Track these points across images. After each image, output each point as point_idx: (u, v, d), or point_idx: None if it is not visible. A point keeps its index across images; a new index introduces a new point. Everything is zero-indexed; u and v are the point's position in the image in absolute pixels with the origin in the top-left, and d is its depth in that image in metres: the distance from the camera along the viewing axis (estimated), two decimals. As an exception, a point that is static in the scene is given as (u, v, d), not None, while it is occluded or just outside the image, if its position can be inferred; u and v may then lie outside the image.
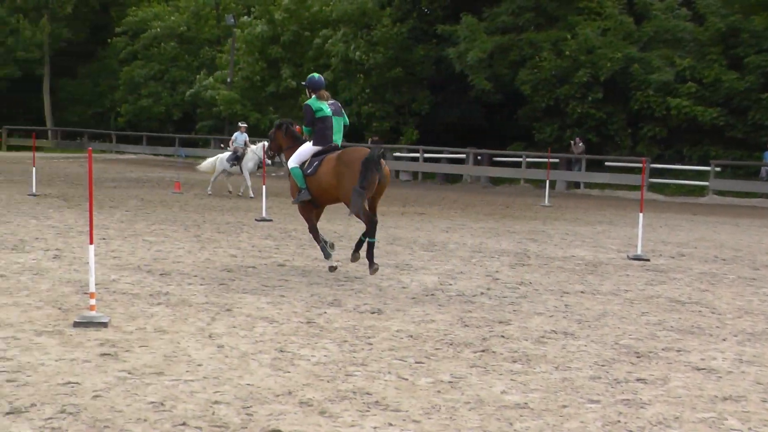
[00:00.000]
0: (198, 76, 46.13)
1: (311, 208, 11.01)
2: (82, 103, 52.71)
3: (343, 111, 11.06)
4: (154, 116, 49.09)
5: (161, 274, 10.13)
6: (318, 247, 11.42)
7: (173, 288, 9.29)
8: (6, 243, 12.10)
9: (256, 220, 16.94)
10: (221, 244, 13.21)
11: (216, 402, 5.47)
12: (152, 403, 5.39)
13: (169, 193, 22.92)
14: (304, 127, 10.87)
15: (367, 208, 10.15)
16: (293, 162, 10.86)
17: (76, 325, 7.29)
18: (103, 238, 12.97)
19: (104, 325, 7.32)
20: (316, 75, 11.07)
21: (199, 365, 6.30)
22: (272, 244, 13.45)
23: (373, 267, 10.27)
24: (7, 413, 5.08)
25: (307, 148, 10.85)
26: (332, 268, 10.65)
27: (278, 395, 5.67)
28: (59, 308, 8.01)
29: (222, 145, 44.93)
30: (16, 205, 17.74)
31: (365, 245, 10.37)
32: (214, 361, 6.45)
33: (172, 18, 49.81)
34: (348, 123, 11.05)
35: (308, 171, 10.66)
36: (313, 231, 11.01)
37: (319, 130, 10.68)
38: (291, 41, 41.37)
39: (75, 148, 47.57)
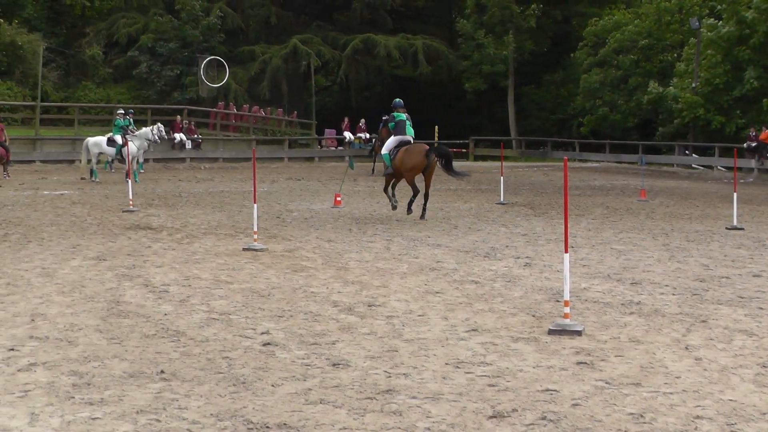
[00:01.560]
0: (652, 82, 45.42)
1: (391, 178, 18.04)
2: (544, 110, 54.63)
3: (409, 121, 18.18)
4: (615, 124, 49.24)
5: (632, 283, 10.14)
6: (388, 199, 18.37)
7: (645, 297, 9.26)
8: (478, 250, 12.93)
9: (726, 228, 16.25)
10: (691, 253, 12.88)
11: (697, 417, 5.36)
12: (631, 414, 5.43)
13: (635, 201, 22.81)
14: (390, 124, 18.30)
15: (414, 183, 17.45)
16: (385, 149, 18.02)
17: (551, 332, 7.57)
18: (571, 246, 13.30)
19: (578, 333, 7.51)
20: (397, 99, 18.50)
21: (677, 377, 6.22)
22: (745, 253, 12.84)
23: (422, 215, 17.35)
24: (491, 417, 5.42)
25: (391, 140, 17.95)
26: (393, 207, 17.87)
27: (764, 413, 5.41)
28: (533, 315, 8.38)
29: (687, 152, 43.70)
30: (486, 213, 18.84)
31: (415, 206, 17.71)
32: (692, 373, 6.33)
33: (633, 24, 49.60)
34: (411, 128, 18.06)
35: (392, 156, 17.64)
36: (386, 191, 18.20)
37: (398, 127, 17.90)
38: (762, 42, 38.95)
39: (538, 157, 49.40)
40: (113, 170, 30.08)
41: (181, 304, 8.75)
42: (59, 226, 15.34)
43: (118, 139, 27.45)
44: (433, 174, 17.45)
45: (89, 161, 27.88)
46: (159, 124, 29.40)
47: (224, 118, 44.58)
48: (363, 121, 44.69)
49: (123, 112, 29.42)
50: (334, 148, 45.37)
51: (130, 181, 19.71)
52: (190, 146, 39.14)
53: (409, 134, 17.88)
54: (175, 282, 9.99)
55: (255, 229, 13.16)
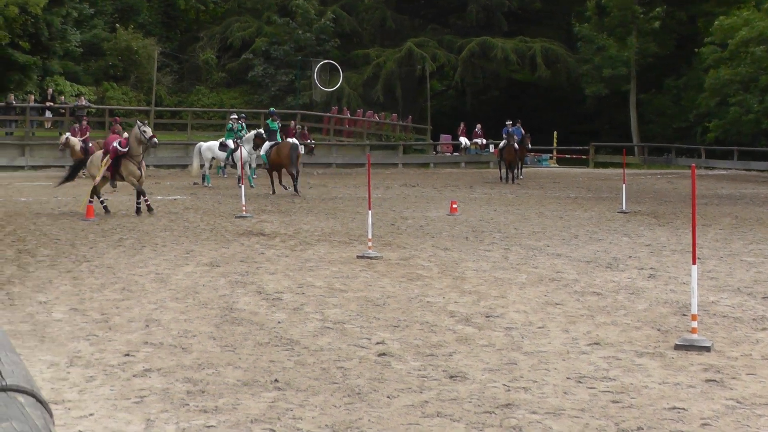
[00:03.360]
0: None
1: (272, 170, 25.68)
2: (664, 116, 53.39)
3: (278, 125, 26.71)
4: (745, 128, 47.63)
5: (764, 297, 9.82)
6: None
7: (781, 313, 8.95)
8: (600, 261, 12.73)
9: None
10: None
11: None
12: (767, 437, 5.25)
13: (766, 211, 22.06)
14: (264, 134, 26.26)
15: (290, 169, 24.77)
16: (262, 152, 25.70)
17: (678, 347, 7.38)
18: (698, 258, 12.94)
19: (707, 349, 7.30)
20: (271, 108, 29.81)
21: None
22: None
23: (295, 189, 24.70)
24: (615, 433, 5.34)
25: (266, 144, 25.72)
26: (273, 192, 25.12)
27: None
28: (658, 329, 8.19)
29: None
30: (607, 222, 18.54)
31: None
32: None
33: (766, 22, 47.98)
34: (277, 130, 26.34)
35: (268, 154, 25.17)
36: (272, 183, 25.54)
37: (271, 135, 26.01)
38: None
39: (662, 164, 48.32)
40: (226, 175, 30.77)
41: (294, 312, 8.87)
42: (172, 232, 15.79)
43: (230, 143, 28.06)
44: (299, 159, 25.65)
45: (201, 166, 28.57)
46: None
47: (337, 123, 45.06)
48: (479, 126, 44.58)
49: (236, 116, 30.07)
50: (449, 154, 45.40)
51: (243, 187, 20.13)
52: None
53: (278, 139, 26.19)
54: (289, 289, 10.14)
55: (369, 236, 13.25)
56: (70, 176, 20.58)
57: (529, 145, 34.75)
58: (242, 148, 26.55)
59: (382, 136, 45.78)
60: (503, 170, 33.06)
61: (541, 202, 23.78)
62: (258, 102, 48.35)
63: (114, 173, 18.96)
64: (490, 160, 43.44)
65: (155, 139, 19.13)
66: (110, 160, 18.83)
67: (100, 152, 19.70)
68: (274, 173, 25.75)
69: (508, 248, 14.04)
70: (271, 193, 25.03)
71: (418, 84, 51.84)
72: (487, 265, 12.17)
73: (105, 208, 19.10)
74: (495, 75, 54.12)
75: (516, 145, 31.97)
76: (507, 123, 33.69)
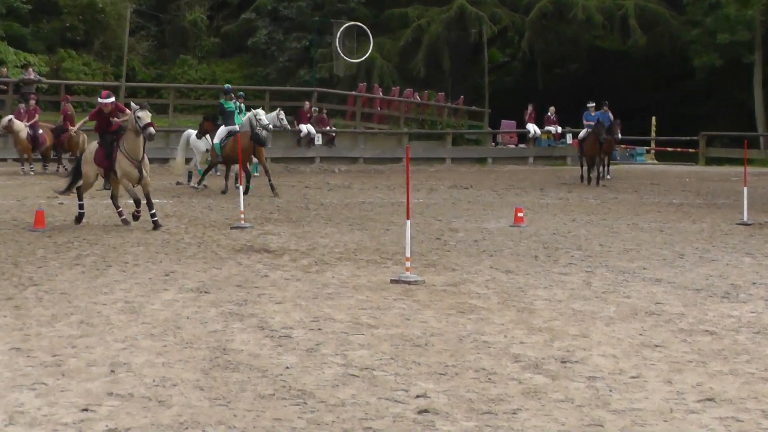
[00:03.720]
0: None
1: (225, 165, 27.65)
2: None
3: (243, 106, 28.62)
4: None
5: None
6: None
7: None
8: (714, 289, 12.59)
9: None
10: None
11: None
12: None
13: None
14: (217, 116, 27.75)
15: (248, 167, 25.54)
16: (216, 139, 26.61)
17: (821, 406, 7.29)
18: None
19: None
20: (227, 85, 30.57)
21: None
22: None
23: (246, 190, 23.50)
24: None
25: (221, 129, 26.62)
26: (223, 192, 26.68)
27: None
28: (794, 381, 8.10)
29: None
30: (723, 237, 18.38)
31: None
32: None
33: None
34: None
35: (222, 144, 26.29)
36: (227, 178, 27.50)
37: (226, 117, 26.99)
38: None
39: (795, 159, 47.98)
40: (218, 173, 30.93)
41: (308, 355, 8.83)
42: (147, 247, 15.82)
43: (237, 129, 27.92)
44: (263, 156, 26.86)
45: (188, 160, 28.50)
46: (279, 110, 29.95)
47: (366, 105, 45.11)
48: (552, 109, 44.50)
49: (230, 88, 29.60)
50: (513, 146, 45.36)
51: (241, 188, 20.14)
52: (320, 142, 39.86)
53: (237, 123, 26.70)
54: (301, 324, 10.11)
55: (408, 254, 13.21)
56: (75, 178, 19.88)
57: (619, 135, 34.44)
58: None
59: (425, 122, 45.75)
60: (584, 168, 32.95)
61: (635, 210, 23.67)
62: (262, 77, 48.46)
63: (108, 170, 18.66)
64: (567, 155, 43.39)
65: (151, 129, 18.33)
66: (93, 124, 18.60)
67: (94, 144, 19.24)
68: (229, 166, 27.26)
69: (591, 271, 13.97)
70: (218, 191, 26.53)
71: (473, 53, 51.79)
72: (563, 294, 12.11)
73: (124, 220, 18.83)
74: (574, 42, 53.96)
75: (602, 135, 31.79)
76: (589, 105, 33.59)
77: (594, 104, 33.64)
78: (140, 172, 18.38)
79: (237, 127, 26.18)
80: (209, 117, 28.37)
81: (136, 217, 18.58)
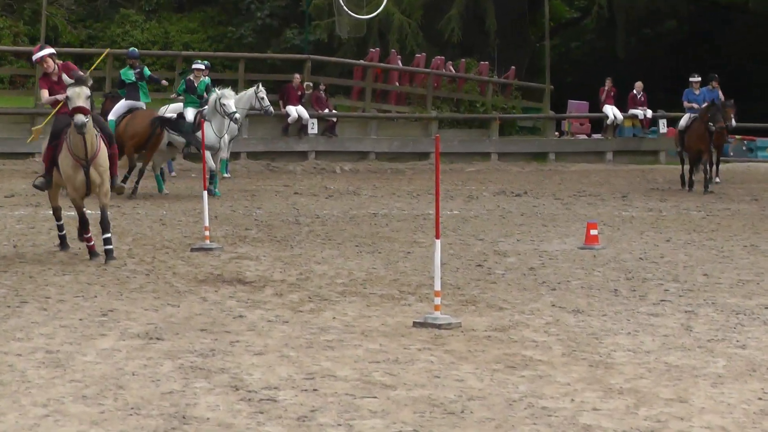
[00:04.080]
0: None
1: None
2: None
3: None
4: None
5: None
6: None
7: None
8: None
9: None
10: None
11: None
12: None
13: None
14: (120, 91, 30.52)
15: (133, 156, 28.36)
16: (112, 115, 28.40)
17: None
18: None
19: None
20: (132, 49, 32.50)
21: None
22: None
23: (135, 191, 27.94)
24: None
25: (121, 104, 29.24)
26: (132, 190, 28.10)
27: None
28: None
29: None
30: None
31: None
32: None
33: None
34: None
35: (117, 122, 28.32)
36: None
37: (130, 91, 29.76)
38: None
39: None
40: (174, 173, 30.98)
41: (299, 425, 8.88)
42: (77, 276, 15.87)
43: (189, 114, 28.00)
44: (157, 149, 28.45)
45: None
46: (259, 86, 29.97)
47: (380, 79, 45.03)
48: (639, 85, 44.36)
49: (136, 52, 30.92)
50: (585, 136, 45.28)
51: (205, 194, 20.21)
52: (315, 129, 39.83)
53: (144, 101, 29.33)
54: (290, 383, 10.16)
55: (437, 287, 13.24)
56: None
57: (733, 122, 34.23)
58: (207, 125, 25.90)
59: (461, 104, 45.68)
60: (686, 167, 32.87)
61: (755, 226, 23.73)
62: (234, 40, 48.49)
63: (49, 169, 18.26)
64: (660, 149, 43.37)
65: (80, 118, 16.71)
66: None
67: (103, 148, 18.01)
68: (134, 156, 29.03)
69: (693, 311, 14.00)
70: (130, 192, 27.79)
71: (528, 8, 51.80)
72: (653, 343, 12.15)
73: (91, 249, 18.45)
74: (667, -7, 53.95)
75: (711, 123, 31.62)
76: (692, 80, 33.52)
77: (699, 78, 33.56)
78: (87, 176, 17.63)
79: (142, 104, 29.49)
80: (112, 95, 30.19)
81: (90, 249, 18.09)
